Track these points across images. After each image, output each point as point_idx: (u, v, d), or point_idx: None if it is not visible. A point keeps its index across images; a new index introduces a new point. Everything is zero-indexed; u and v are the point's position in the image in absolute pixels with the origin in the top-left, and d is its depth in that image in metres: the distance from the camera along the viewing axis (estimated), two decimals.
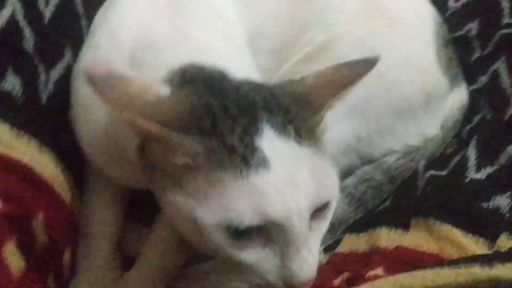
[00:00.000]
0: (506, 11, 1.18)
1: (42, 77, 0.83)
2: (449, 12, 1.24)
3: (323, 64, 0.88)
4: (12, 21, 0.79)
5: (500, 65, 1.08)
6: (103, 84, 0.56)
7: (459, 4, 1.24)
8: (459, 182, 0.85)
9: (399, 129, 0.96)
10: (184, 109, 0.59)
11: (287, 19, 0.93)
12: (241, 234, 0.58)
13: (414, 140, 0.98)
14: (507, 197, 0.79)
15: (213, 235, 0.58)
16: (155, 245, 0.84)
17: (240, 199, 0.57)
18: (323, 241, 0.69)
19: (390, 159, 0.95)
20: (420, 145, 0.98)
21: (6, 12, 0.79)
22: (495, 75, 1.07)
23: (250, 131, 0.59)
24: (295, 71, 0.92)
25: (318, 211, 0.62)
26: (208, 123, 0.59)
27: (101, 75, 0.56)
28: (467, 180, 0.85)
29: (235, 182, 0.57)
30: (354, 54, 0.89)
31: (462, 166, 0.87)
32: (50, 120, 0.82)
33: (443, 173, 0.90)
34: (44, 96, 0.83)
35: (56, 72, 0.86)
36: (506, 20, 1.17)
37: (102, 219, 0.87)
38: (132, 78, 0.59)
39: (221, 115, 0.59)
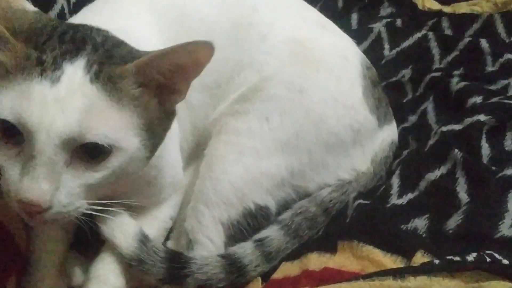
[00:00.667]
0: (436, 57, 1.28)
1: None
2: (384, 60, 1.33)
3: (255, 103, 0.97)
4: None
5: (428, 105, 1.16)
6: None
7: (393, 52, 1.33)
8: (382, 208, 0.89)
9: (330, 163, 1.00)
10: (37, 24, 0.68)
11: (221, 59, 0.98)
12: (3, 130, 0.63)
13: (346, 174, 1.02)
14: (424, 219, 0.84)
15: None
16: None
17: (13, 96, 0.62)
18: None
19: (324, 193, 1.00)
20: (352, 179, 1.02)
21: None
22: (424, 113, 1.14)
23: (68, 56, 0.65)
24: (231, 111, 0.99)
25: (89, 156, 0.66)
26: (42, 39, 0.66)
27: None
28: (389, 205, 0.89)
29: (21, 84, 0.63)
30: (283, 93, 0.97)
31: (386, 193, 0.92)
32: None
33: (369, 201, 0.94)
34: None
35: None
36: (436, 65, 1.26)
37: (46, 249, 0.89)
38: None
39: (55, 37, 0.67)
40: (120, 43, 0.72)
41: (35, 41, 0.66)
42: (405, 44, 1.35)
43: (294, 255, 0.92)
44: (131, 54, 0.69)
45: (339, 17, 1.44)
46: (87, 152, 0.66)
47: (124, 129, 0.67)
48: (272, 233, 0.95)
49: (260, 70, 1.00)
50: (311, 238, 0.96)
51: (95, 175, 0.67)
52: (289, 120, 0.97)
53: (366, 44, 1.39)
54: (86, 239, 0.89)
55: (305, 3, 1.15)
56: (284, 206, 0.99)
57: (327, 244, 0.88)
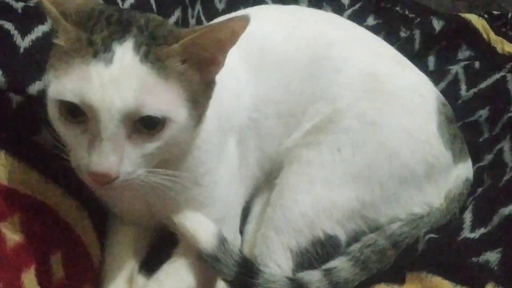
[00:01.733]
0: None
1: None
2: (461, 100, 1.32)
3: (328, 135, 0.99)
4: None
5: (504, 144, 1.14)
6: None
7: (470, 92, 1.33)
8: (453, 241, 0.88)
9: (403, 197, 1.00)
10: (84, 9, 0.74)
11: (296, 89, 1.03)
12: (68, 112, 0.70)
13: (418, 208, 1.02)
14: (497, 253, 0.82)
15: (51, 109, 0.71)
16: None
17: (73, 79, 0.68)
18: None
19: (394, 226, 0.99)
20: (424, 213, 1.02)
21: None
22: (500, 152, 1.12)
23: (116, 36, 0.71)
24: (304, 142, 1.02)
25: (146, 129, 0.72)
26: (91, 22, 0.72)
27: None
28: (460, 238, 0.88)
29: (79, 67, 0.69)
30: (356, 126, 0.99)
31: (458, 227, 0.91)
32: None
33: (441, 235, 0.93)
34: None
35: None
36: None
37: (117, 262, 0.94)
38: None
39: (102, 19, 0.73)
40: (161, 24, 0.77)
41: (85, 24, 0.72)
42: (483, 85, 1.34)
43: (361, 287, 0.92)
44: (173, 33, 0.75)
45: (416, 59, 1.44)
46: (144, 125, 0.72)
47: (173, 102, 0.73)
48: (341, 263, 0.95)
49: (334, 102, 1.03)
50: (380, 271, 0.95)
51: (153, 145, 0.73)
52: (361, 153, 0.98)
53: (443, 85, 1.39)
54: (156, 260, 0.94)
55: (382, 41, 1.18)
56: (355, 238, 0.99)
57: (395, 276, 0.88)
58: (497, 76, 1.34)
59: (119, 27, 0.73)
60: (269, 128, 1.04)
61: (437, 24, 1.49)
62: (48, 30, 0.94)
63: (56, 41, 0.72)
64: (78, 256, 0.87)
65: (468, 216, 0.93)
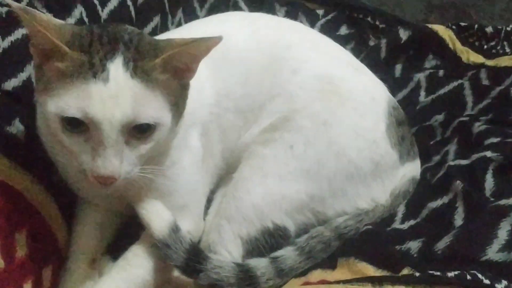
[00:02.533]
0: (469, 104, 1.34)
1: None
2: (419, 106, 1.40)
3: (283, 133, 1.07)
4: None
5: (451, 147, 1.21)
6: (28, 13, 0.78)
7: (429, 99, 1.40)
8: (383, 231, 0.96)
9: (349, 192, 1.07)
10: (75, 32, 0.82)
11: (255, 86, 1.10)
12: (69, 124, 0.79)
13: (364, 203, 1.08)
14: (418, 242, 0.90)
15: (53, 123, 0.80)
16: None
17: (75, 97, 0.78)
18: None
19: (340, 219, 1.06)
20: (370, 209, 1.08)
21: None
22: (446, 154, 1.20)
23: (109, 56, 0.80)
24: (261, 139, 1.10)
25: (139, 133, 0.82)
26: (86, 43, 0.81)
27: (26, 8, 0.79)
28: (390, 229, 0.96)
29: (80, 87, 0.78)
30: (309, 125, 1.07)
31: (391, 219, 0.99)
32: (46, 159, 1.00)
33: (374, 226, 1.01)
34: None
35: None
36: (468, 112, 1.31)
37: (82, 244, 1.03)
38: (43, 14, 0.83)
39: (95, 40, 0.82)
40: (142, 37, 0.86)
41: (81, 46, 0.81)
42: (441, 91, 1.42)
43: (303, 272, 0.99)
44: (153, 46, 0.84)
45: (383, 66, 1.52)
46: (138, 131, 0.82)
47: (161, 108, 0.84)
48: (287, 252, 1.01)
49: (290, 101, 1.09)
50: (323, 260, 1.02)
51: (146, 146, 0.84)
52: (312, 150, 1.05)
53: (405, 91, 1.47)
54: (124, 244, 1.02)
55: (340, 47, 1.25)
56: (304, 229, 1.06)
57: (330, 262, 0.96)
58: (455, 83, 1.42)
59: (109, 46, 0.82)
60: (229, 121, 1.11)
61: (403, 34, 1.57)
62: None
63: (56, 64, 0.80)
64: (43, 237, 0.94)
65: (401, 209, 1.01)
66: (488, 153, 1.04)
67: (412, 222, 0.97)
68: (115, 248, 1.06)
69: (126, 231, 1.09)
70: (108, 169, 0.79)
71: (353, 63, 1.23)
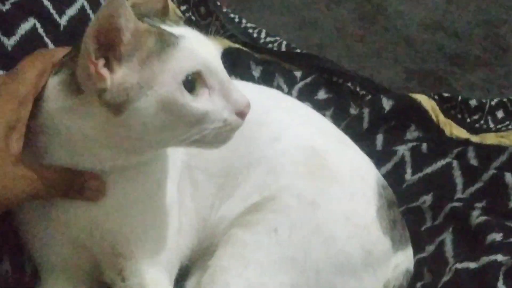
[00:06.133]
0: (459, 186, 1.25)
1: None
2: (405, 184, 1.30)
3: (266, 214, 0.95)
4: None
5: (446, 236, 1.12)
6: None
7: (415, 177, 1.31)
8: None
9: (339, 285, 0.95)
10: None
11: (229, 149, 0.95)
12: (191, 88, 0.74)
13: None
14: None
15: (178, 98, 0.72)
16: None
17: (183, 58, 0.73)
18: None
19: None
20: None
21: None
22: (441, 244, 1.10)
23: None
24: (242, 222, 0.97)
25: None
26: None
27: None
28: None
29: (176, 51, 0.73)
30: (295, 205, 0.95)
31: None
32: None
33: None
34: None
35: None
36: (458, 195, 1.22)
37: None
38: None
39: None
40: None
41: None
42: (428, 170, 1.32)
43: None
44: None
45: (364, 137, 1.43)
46: None
47: None
48: None
49: (274, 173, 0.99)
50: None
51: None
52: (298, 234, 0.94)
53: (389, 166, 1.37)
54: None
55: (324, 118, 1.16)
56: None
57: None
58: (443, 162, 1.33)
59: None
60: (200, 182, 0.99)
61: (386, 104, 1.48)
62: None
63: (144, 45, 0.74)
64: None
65: None
66: (499, 257, 0.95)
67: None
68: None
69: None
70: (244, 95, 0.78)
71: (339, 136, 1.13)
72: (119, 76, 0.73)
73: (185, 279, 1.00)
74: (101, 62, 0.73)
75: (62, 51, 0.83)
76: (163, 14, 0.85)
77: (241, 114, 0.78)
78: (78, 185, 0.80)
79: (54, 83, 0.79)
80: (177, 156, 0.96)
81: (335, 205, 0.97)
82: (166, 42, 0.74)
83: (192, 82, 0.74)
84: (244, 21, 1.75)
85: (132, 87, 0.73)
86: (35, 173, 0.76)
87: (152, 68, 0.73)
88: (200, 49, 0.75)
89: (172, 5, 1.59)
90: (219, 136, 0.78)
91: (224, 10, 1.75)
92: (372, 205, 1.00)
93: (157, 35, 0.74)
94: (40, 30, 1.03)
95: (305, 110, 1.15)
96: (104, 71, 0.73)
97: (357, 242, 0.96)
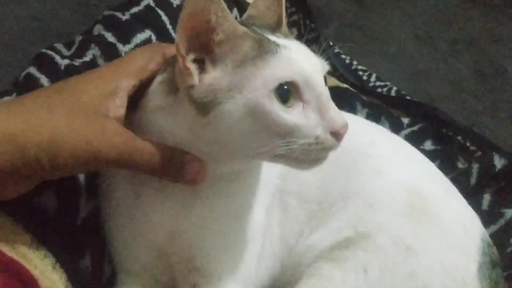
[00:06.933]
0: None
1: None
2: (510, 249, 1.20)
3: (357, 252, 0.89)
4: None
5: None
6: None
7: None
8: None
9: None
10: None
11: (328, 177, 0.95)
12: (284, 99, 0.71)
13: None
14: None
15: (267, 106, 0.70)
16: None
17: (280, 67, 0.72)
18: None
19: None
20: None
21: None
22: None
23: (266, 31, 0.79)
24: (331, 256, 0.92)
25: None
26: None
27: None
28: None
29: (273, 59, 0.72)
30: (390, 247, 0.89)
31: None
32: (77, 242, 0.86)
33: None
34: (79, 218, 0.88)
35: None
36: None
37: None
38: None
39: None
40: None
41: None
42: None
43: None
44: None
45: (470, 195, 1.33)
46: None
47: None
48: None
49: (371, 208, 0.93)
50: None
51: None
52: (388, 278, 0.87)
53: (493, 228, 1.26)
54: None
55: (431, 162, 1.08)
56: None
57: None
58: None
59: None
60: (291, 207, 0.95)
61: (498, 162, 1.38)
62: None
63: (241, 48, 0.73)
64: None
65: None
66: None
67: None
68: None
69: None
70: (342, 116, 0.74)
71: (446, 183, 1.04)
72: (211, 77, 0.73)
73: None
74: (191, 56, 0.73)
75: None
76: (277, 26, 0.85)
77: (337, 135, 0.73)
78: (177, 164, 0.77)
79: (158, 81, 0.80)
80: (270, 180, 0.94)
81: (433, 253, 0.89)
82: (264, 49, 0.72)
83: (287, 93, 0.72)
84: (355, 63, 1.73)
85: (221, 89, 0.72)
86: (132, 138, 0.75)
87: (245, 73, 0.72)
88: (301, 61, 0.73)
89: None
90: (309, 154, 0.74)
91: (336, 50, 1.74)
92: (474, 261, 0.91)
93: (256, 40, 0.73)
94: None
95: (413, 150, 1.08)
96: (192, 66, 0.72)
97: None
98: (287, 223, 0.97)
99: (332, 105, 0.74)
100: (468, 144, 1.49)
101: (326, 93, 0.74)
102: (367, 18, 2.15)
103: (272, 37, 0.76)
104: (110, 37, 1.15)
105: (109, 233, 0.91)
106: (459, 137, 1.51)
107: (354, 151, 0.98)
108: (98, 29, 1.18)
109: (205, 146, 0.77)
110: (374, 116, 1.50)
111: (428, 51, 2.07)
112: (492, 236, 1.19)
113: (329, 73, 1.59)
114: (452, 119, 1.55)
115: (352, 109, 1.49)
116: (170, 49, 0.83)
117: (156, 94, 0.80)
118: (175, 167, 0.77)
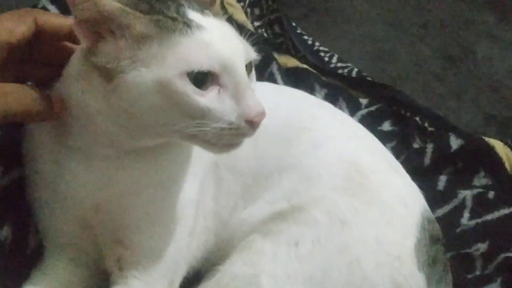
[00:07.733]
0: None
1: None
2: (460, 229, 1.19)
3: (291, 225, 0.88)
4: None
5: (493, 287, 0.99)
6: None
7: (472, 222, 1.19)
8: None
9: None
10: None
11: (264, 148, 0.94)
12: (199, 81, 0.69)
13: None
14: None
15: (178, 86, 0.68)
16: None
17: (193, 50, 0.69)
18: None
19: None
20: None
21: None
22: None
23: (181, 9, 0.72)
24: (264, 229, 0.90)
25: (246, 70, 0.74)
26: (145, 6, 0.71)
27: None
28: None
29: (185, 40, 0.69)
30: (323, 220, 0.88)
31: None
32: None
33: None
34: None
35: None
36: None
37: None
38: None
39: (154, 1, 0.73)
40: None
41: (140, 9, 0.71)
42: (489, 217, 1.20)
43: None
44: None
45: (425, 175, 1.32)
46: None
47: None
48: None
49: (308, 182, 0.92)
50: None
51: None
52: (320, 252, 0.86)
53: (446, 208, 1.25)
54: None
55: (377, 139, 1.06)
56: None
57: None
58: (506, 211, 1.21)
59: (173, 2, 0.74)
60: (225, 181, 0.94)
61: (454, 142, 1.38)
62: None
63: (133, 31, 0.70)
64: None
65: None
66: None
67: None
68: None
69: None
70: (260, 105, 0.72)
71: (389, 159, 1.03)
72: (110, 45, 0.71)
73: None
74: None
75: (56, 17, 0.82)
76: (210, 3, 0.83)
77: (252, 123, 0.71)
78: (46, 99, 0.77)
79: (79, 48, 0.78)
80: (204, 153, 0.92)
81: (367, 228, 0.88)
82: (168, 28, 0.69)
83: (203, 76, 0.69)
84: (317, 43, 1.72)
85: (125, 59, 0.70)
86: None
87: (150, 50, 0.69)
88: (219, 45, 0.70)
89: (244, 18, 1.58)
90: (221, 138, 0.72)
91: (298, 31, 1.72)
92: (411, 236, 0.90)
93: (150, 19, 0.70)
94: None
95: (358, 127, 1.07)
96: (83, 30, 0.71)
97: (386, 272, 0.86)
98: (221, 197, 0.95)
99: (249, 92, 0.71)
100: (426, 125, 1.48)
101: (244, 80, 0.71)
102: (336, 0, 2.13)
103: (193, 15, 0.72)
104: (53, 10, 1.15)
105: (33, 204, 0.89)
106: (417, 118, 1.49)
107: (293, 125, 0.97)
108: (43, 2, 1.17)
109: (117, 118, 0.75)
110: (332, 96, 1.48)
111: (396, 35, 2.06)
112: (444, 216, 1.19)
113: (290, 54, 1.60)
114: (411, 100, 1.53)
115: (310, 90, 1.47)
116: (43, 15, 0.81)
117: (74, 61, 0.79)
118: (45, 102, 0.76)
